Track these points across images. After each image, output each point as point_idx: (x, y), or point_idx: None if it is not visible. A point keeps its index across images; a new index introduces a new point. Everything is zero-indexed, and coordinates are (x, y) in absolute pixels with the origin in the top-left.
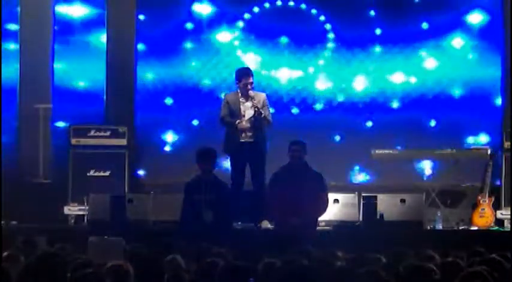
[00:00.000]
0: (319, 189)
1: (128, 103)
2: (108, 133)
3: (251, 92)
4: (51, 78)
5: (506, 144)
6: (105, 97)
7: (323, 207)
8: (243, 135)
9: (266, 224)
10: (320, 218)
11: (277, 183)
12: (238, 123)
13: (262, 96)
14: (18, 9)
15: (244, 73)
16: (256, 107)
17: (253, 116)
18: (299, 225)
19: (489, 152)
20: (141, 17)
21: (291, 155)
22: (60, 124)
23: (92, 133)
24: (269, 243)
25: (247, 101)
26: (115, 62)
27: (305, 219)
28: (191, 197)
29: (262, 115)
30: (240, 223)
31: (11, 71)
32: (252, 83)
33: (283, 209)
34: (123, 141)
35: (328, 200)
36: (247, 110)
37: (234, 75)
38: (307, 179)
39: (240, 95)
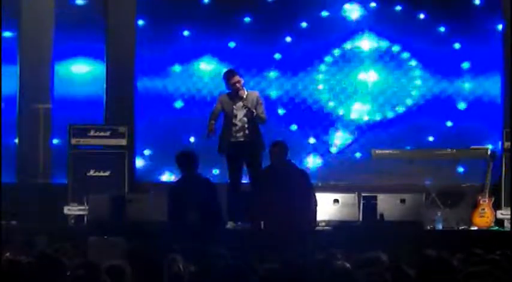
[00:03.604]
0: (304, 186)
1: (128, 103)
2: (108, 133)
3: (241, 92)
4: (51, 78)
5: (506, 144)
6: (105, 97)
7: (312, 204)
8: (237, 135)
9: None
10: (320, 218)
11: (262, 185)
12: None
13: (254, 94)
14: (19, 9)
15: (229, 74)
16: (247, 106)
17: (245, 115)
18: (288, 225)
19: (489, 152)
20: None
21: (271, 156)
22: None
23: (92, 133)
24: (264, 243)
25: (238, 101)
26: (115, 61)
27: (294, 218)
28: (177, 198)
29: (254, 114)
30: (239, 223)
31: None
32: (239, 81)
33: (271, 210)
34: (123, 141)
35: (315, 196)
36: (239, 111)
37: None
38: (292, 177)
39: (232, 96)
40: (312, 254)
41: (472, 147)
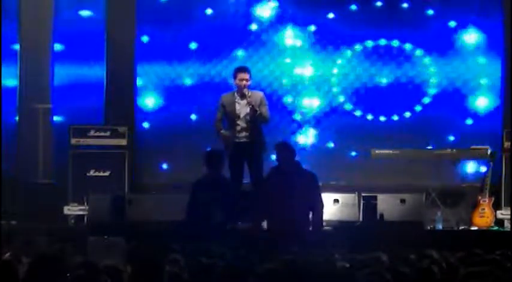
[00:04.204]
0: (312, 188)
1: (128, 103)
2: (108, 133)
3: (246, 90)
4: (51, 78)
5: (506, 144)
6: (104, 96)
7: (319, 206)
8: (239, 135)
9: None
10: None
11: (269, 186)
12: (222, 132)
13: (259, 94)
14: (18, 9)
15: (240, 69)
16: (251, 104)
17: (248, 114)
18: (296, 226)
19: (489, 152)
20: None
21: (280, 159)
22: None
23: (92, 133)
24: (267, 244)
25: (242, 99)
26: (115, 60)
27: (302, 220)
28: (200, 196)
29: (258, 113)
30: (240, 223)
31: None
32: (247, 79)
33: (278, 212)
34: (123, 141)
35: (321, 198)
36: (243, 109)
37: None
38: (300, 179)
39: (235, 94)
40: (312, 254)
41: (472, 147)
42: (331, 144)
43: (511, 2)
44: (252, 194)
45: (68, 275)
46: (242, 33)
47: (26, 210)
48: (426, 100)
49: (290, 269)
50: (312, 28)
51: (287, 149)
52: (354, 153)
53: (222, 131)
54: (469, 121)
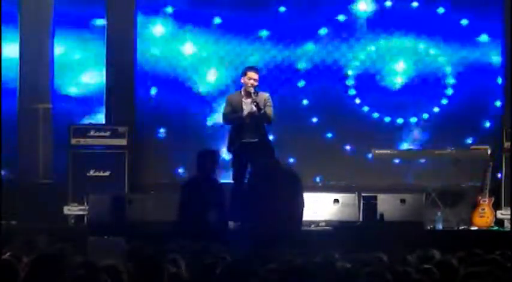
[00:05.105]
0: (291, 186)
1: (128, 102)
2: (108, 133)
3: (250, 89)
4: (51, 78)
5: (506, 144)
6: (105, 96)
7: (299, 205)
8: (245, 135)
9: None
10: (320, 218)
11: (249, 185)
12: (240, 115)
13: (264, 95)
14: (18, 7)
15: (251, 68)
16: (256, 101)
17: (253, 113)
18: (273, 225)
19: (489, 152)
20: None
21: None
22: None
23: (92, 133)
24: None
25: (247, 98)
26: (115, 60)
27: (280, 218)
28: (190, 197)
29: (262, 111)
30: (239, 223)
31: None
32: (256, 79)
33: (258, 211)
34: (123, 141)
35: (303, 199)
36: (248, 108)
37: None
38: (278, 178)
39: (241, 93)
40: (311, 254)
41: (472, 147)
42: (329, 135)
43: (511, 1)
44: (244, 193)
45: (68, 274)
46: None
47: (26, 210)
48: (436, 109)
49: (290, 270)
50: (341, 17)
51: (265, 148)
52: (348, 147)
53: (235, 115)
54: (470, 139)
